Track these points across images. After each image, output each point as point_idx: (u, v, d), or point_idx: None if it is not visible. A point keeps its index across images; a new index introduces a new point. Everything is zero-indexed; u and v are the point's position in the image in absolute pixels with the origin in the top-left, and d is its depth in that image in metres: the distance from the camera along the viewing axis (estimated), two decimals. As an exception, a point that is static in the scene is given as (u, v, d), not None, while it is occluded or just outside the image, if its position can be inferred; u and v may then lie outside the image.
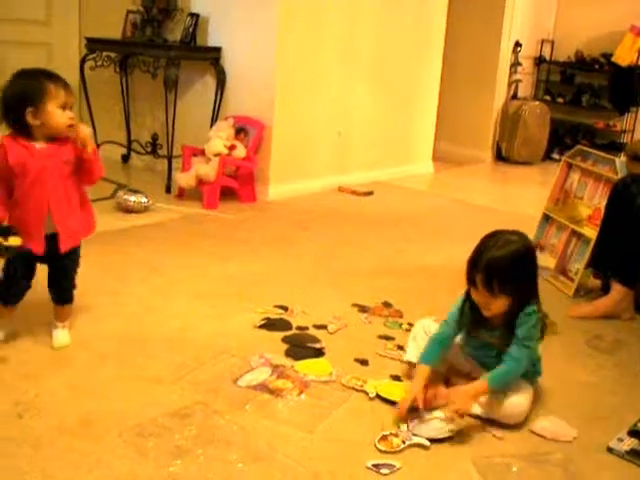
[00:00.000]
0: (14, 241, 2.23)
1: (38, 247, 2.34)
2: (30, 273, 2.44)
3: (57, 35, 5.76)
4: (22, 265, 2.39)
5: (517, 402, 2.16)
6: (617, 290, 3.19)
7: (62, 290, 2.51)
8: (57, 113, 2.25)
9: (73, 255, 2.48)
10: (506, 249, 2.13)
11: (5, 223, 2.30)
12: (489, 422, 2.16)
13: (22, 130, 2.26)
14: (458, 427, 2.09)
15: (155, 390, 2.22)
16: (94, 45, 5.24)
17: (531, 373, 2.29)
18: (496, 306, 2.17)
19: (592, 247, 3.36)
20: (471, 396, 2.13)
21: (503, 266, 2.12)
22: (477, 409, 2.17)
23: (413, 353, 2.41)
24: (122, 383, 2.25)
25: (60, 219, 2.35)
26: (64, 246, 2.39)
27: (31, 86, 2.24)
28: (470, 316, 2.27)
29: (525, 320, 2.17)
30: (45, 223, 2.33)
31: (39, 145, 2.28)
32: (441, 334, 2.31)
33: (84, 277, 3.12)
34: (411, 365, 2.42)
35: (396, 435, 2.04)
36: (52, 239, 2.36)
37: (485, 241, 2.19)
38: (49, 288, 2.50)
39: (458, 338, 2.36)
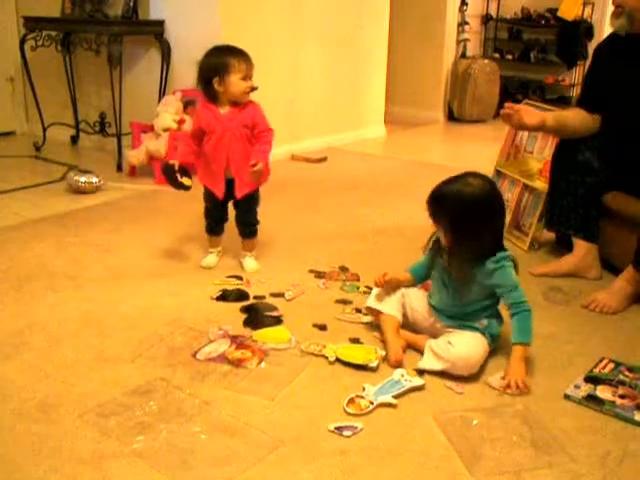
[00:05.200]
0: (186, 182, 2.88)
1: (219, 192, 2.96)
2: (221, 212, 3.07)
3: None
4: (213, 205, 3.04)
5: (468, 354, 2.18)
6: (579, 245, 3.10)
7: (247, 225, 3.09)
8: (237, 83, 2.81)
9: (254, 195, 3.02)
10: (455, 188, 2.21)
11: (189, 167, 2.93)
12: (448, 376, 2.19)
13: (211, 96, 2.86)
14: (419, 383, 2.12)
15: (114, 369, 2.21)
16: (32, 24, 5.11)
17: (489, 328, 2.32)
18: (441, 236, 2.28)
19: (547, 204, 3.33)
20: (520, 364, 2.18)
21: (441, 202, 2.22)
22: (436, 365, 2.20)
23: (375, 300, 2.46)
24: (80, 365, 2.23)
25: (236, 172, 2.91)
26: (239, 193, 2.95)
27: (218, 61, 2.82)
28: (438, 242, 2.36)
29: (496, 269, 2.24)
30: (225, 174, 2.92)
31: (223, 110, 2.87)
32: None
33: (38, 260, 3.10)
34: (372, 312, 2.47)
35: (362, 397, 2.04)
36: (232, 183, 2.95)
37: (451, 178, 2.26)
38: (236, 224, 3.11)
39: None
